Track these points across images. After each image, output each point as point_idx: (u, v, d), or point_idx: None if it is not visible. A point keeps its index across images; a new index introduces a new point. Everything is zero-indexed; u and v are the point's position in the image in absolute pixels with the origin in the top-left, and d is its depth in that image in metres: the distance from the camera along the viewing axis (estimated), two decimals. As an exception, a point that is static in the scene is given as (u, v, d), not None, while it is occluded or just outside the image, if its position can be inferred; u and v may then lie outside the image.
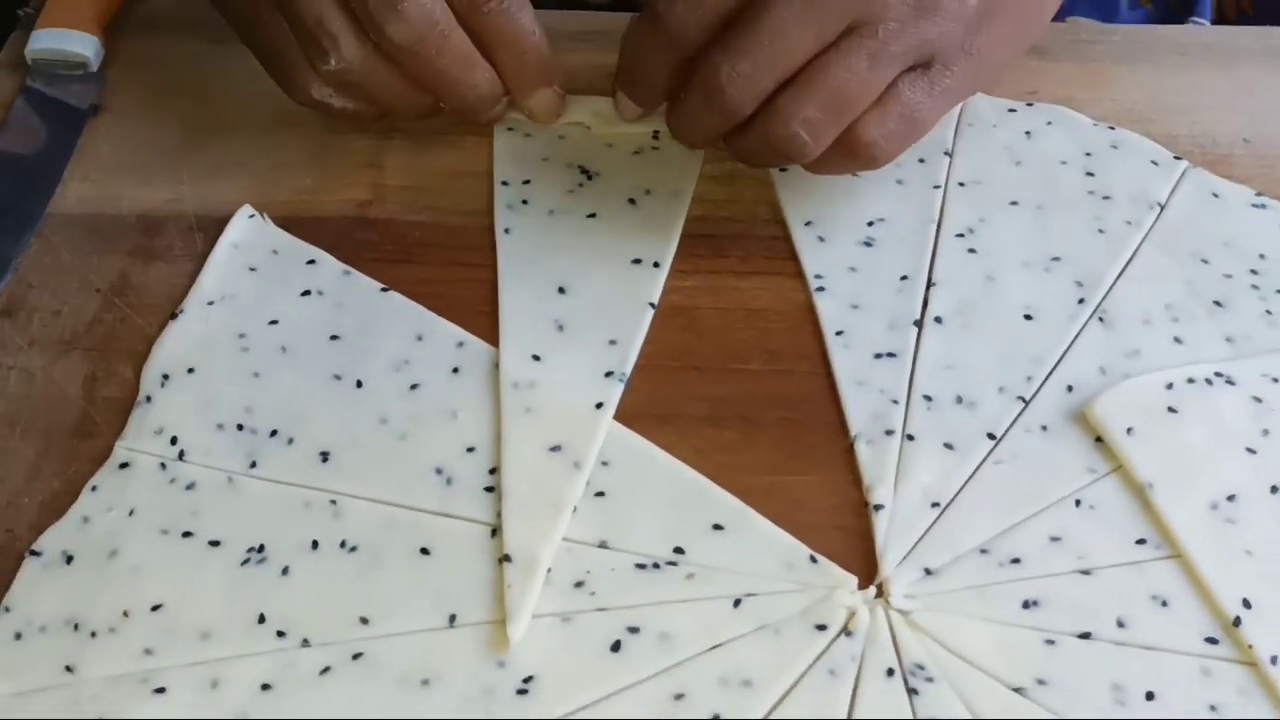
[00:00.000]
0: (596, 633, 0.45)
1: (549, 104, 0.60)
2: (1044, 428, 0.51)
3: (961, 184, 0.59)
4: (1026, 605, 0.46)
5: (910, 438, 0.50)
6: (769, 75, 0.51)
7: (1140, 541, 0.47)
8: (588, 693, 0.44)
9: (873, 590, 0.47)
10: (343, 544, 0.48)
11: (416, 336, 0.54)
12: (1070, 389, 0.52)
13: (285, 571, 0.47)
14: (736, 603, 0.46)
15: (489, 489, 0.49)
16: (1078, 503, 0.49)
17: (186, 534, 0.48)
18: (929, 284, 0.55)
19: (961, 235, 0.57)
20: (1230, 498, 0.48)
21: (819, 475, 0.50)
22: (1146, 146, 0.61)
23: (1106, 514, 0.48)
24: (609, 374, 0.52)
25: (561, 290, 0.55)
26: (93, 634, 0.45)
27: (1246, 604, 0.45)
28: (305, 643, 0.45)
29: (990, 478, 0.49)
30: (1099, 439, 0.50)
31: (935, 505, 0.49)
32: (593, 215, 0.58)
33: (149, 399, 0.52)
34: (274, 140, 0.62)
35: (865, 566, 0.47)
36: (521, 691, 0.44)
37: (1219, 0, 0.79)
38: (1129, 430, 0.50)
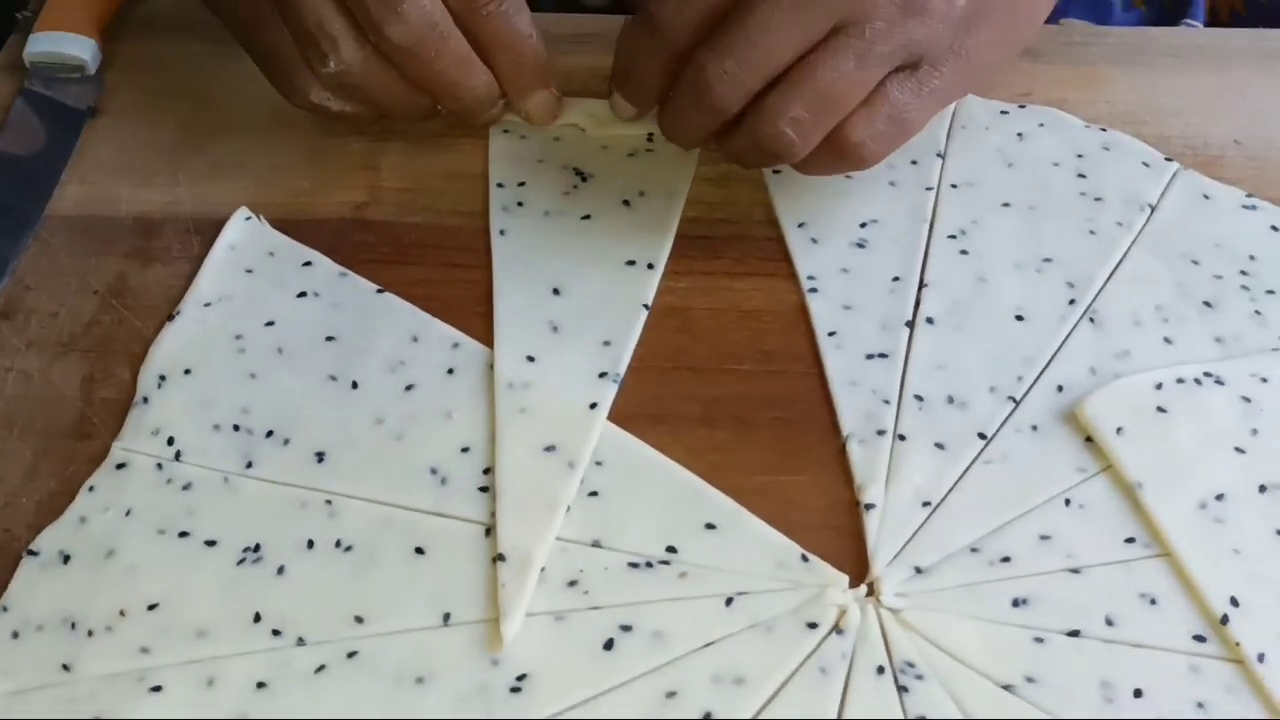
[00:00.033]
0: (589, 631, 0.46)
1: (546, 106, 0.61)
2: (1034, 428, 0.51)
3: (954, 185, 0.60)
4: (1016, 603, 0.46)
5: (902, 437, 0.51)
6: (756, 74, 0.51)
7: (1129, 540, 0.48)
8: (581, 690, 0.44)
9: (864, 589, 0.47)
10: (338, 543, 0.48)
11: (412, 337, 0.54)
12: (1060, 389, 0.52)
13: (281, 571, 0.47)
14: (729, 601, 0.46)
15: (483, 489, 0.49)
16: (1067, 502, 0.49)
17: (183, 534, 0.48)
18: (921, 285, 0.56)
19: (953, 236, 0.57)
20: (1219, 497, 0.48)
21: (811, 475, 0.50)
22: (1138, 148, 0.61)
23: (1096, 513, 0.49)
24: (603, 374, 0.53)
25: (556, 291, 0.56)
26: (89, 633, 0.46)
27: (1234, 602, 0.46)
28: (300, 641, 0.46)
29: (981, 477, 0.50)
30: (1089, 439, 0.50)
31: (926, 504, 0.49)
32: (587, 217, 0.58)
33: (146, 400, 0.52)
34: (271, 142, 0.62)
35: (856, 565, 0.48)
36: (515, 689, 0.44)
37: (1212, 2, 0.79)
38: (1119, 430, 0.50)
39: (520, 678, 0.45)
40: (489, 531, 0.48)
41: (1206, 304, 0.55)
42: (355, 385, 0.52)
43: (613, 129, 0.61)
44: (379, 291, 0.56)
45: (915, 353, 0.53)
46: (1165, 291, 0.55)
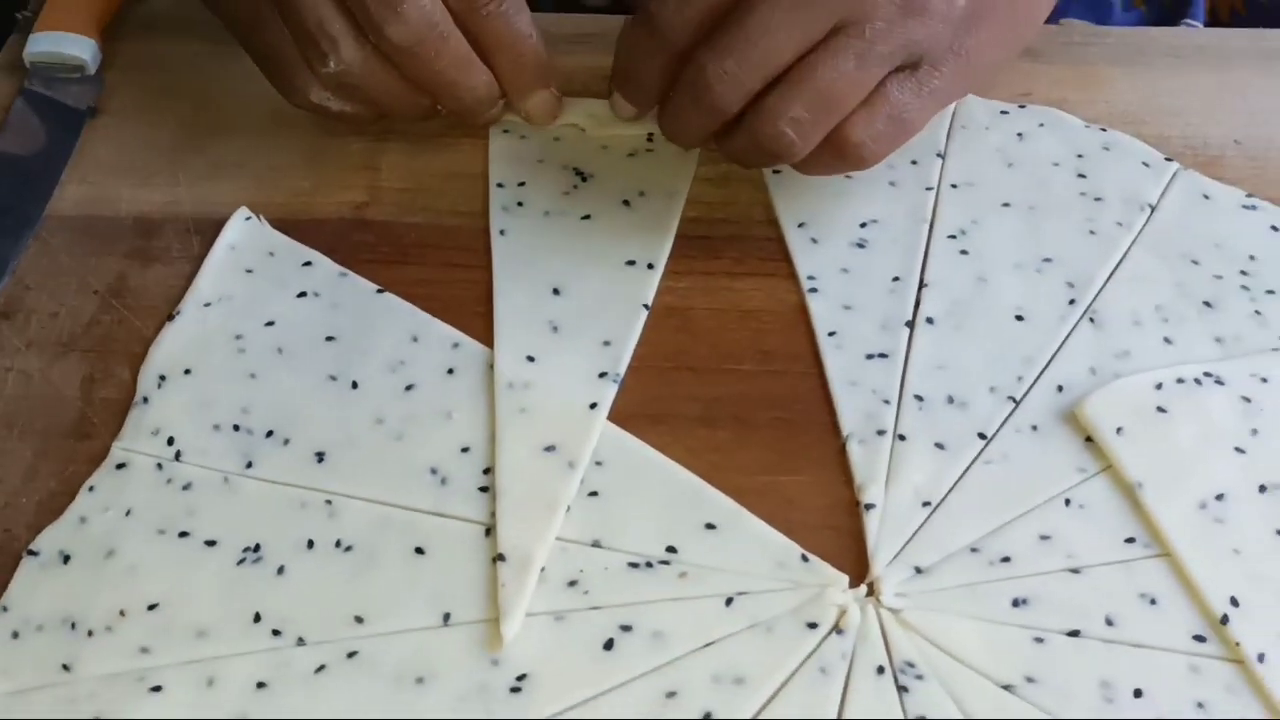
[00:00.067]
0: (589, 631, 0.46)
1: (546, 106, 0.61)
2: (1034, 427, 0.51)
3: (954, 186, 0.60)
4: (1016, 603, 0.46)
5: (902, 437, 0.51)
6: (755, 74, 0.51)
7: (1129, 540, 0.48)
8: (581, 690, 0.44)
9: (864, 589, 0.47)
10: (338, 543, 0.48)
11: (412, 337, 0.54)
12: (1060, 389, 0.52)
13: (281, 571, 0.47)
14: (729, 601, 0.46)
15: (483, 489, 0.49)
16: (1067, 502, 0.49)
17: (183, 534, 0.48)
18: (921, 285, 0.56)
19: (953, 236, 0.57)
20: (1219, 497, 0.48)
21: (811, 475, 0.50)
22: (1138, 148, 0.61)
23: (1096, 513, 0.49)
24: (603, 374, 0.53)
25: (556, 291, 0.56)
26: (89, 633, 0.46)
27: (1234, 602, 0.46)
28: (300, 641, 0.46)
29: (981, 477, 0.50)
30: (1089, 439, 0.50)
31: (926, 504, 0.49)
32: (587, 217, 0.59)
33: (146, 400, 0.52)
34: (271, 143, 0.62)
35: (856, 565, 0.48)
36: (515, 689, 0.44)
37: (1212, 2, 0.79)
38: (1118, 430, 0.50)
39: (520, 678, 0.45)
40: (489, 531, 0.48)
41: (1206, 304, 0.55)
42: (355, 385, 0.52)
43: (613, 129, 0.61)
44: (379, 291, 0.56)
45: (915, 353, 0.53)
46: (1165, 291, 0.55)
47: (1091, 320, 0.54)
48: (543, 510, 0.48)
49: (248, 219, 0.59)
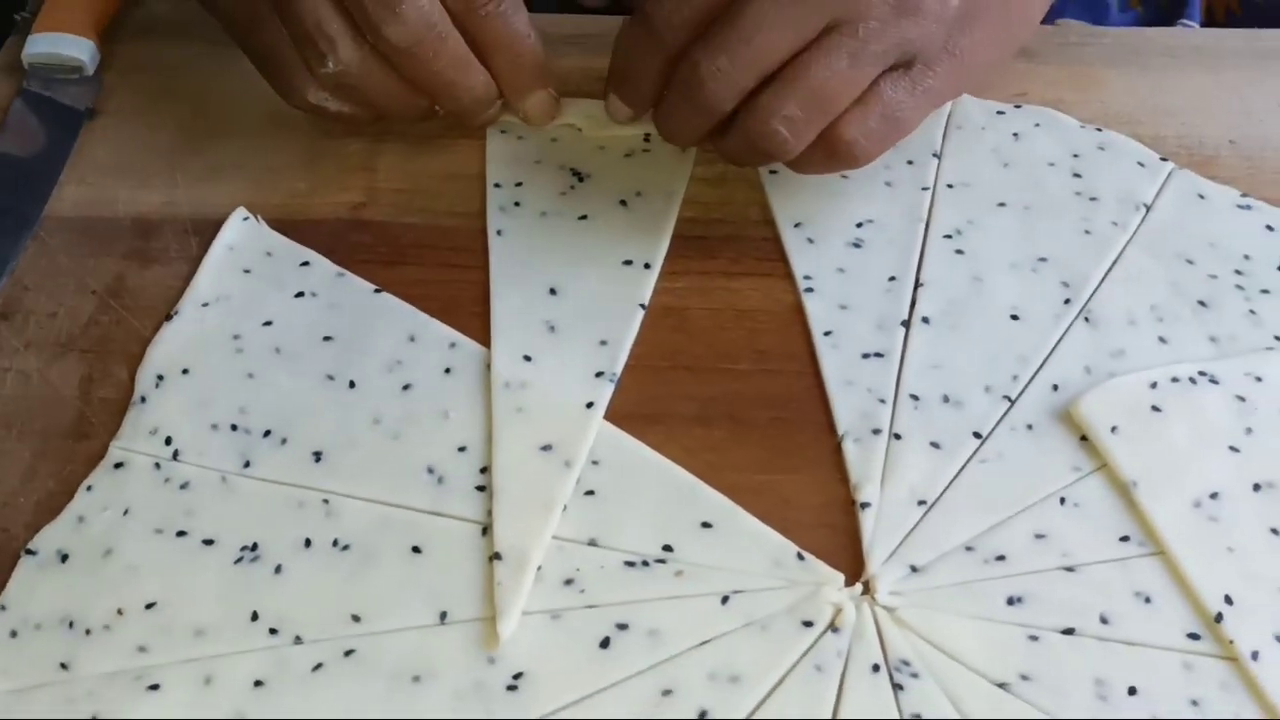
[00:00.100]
0: (586, 630, 0.46)
1: (543, 106, 0.61)
2: (1029, 426, 0.51)
3: (950, 186, 0.60)
4: (1011, 602, 0.46)
5: (897, 436, 0.51)
6: (748, 71, 0.52)
7: (1124, 539, 0.48)
8: (577, 689, 0.45)
9: (859, 587, 0.47)
10: (335, 543, 0.48)
11: (409, 337, 0.54)
12: (1056, 388, 0.52)
13: (278, 570, 0.47)
14: (724, 600, 0.47)
15: (480, 488, 0.49)
16: (1062, 500, 0.49)
17: (181, 533, 0.48)
18: (917, 284, 0.56)
19: (949, 236, 0.58)
20: (1213, 495, 0.49)
21: (807, 474, 0.50)
22: (1133, 148, 0.61)
23: (1091, 512, 0.49)
24: (599, 374, 0.53)
25: (553, 291, 0.56)
26: (87, 632, 0.46)
27: (1228, 600, 0.46)
28: (298, 640, 0.46)
29: (976, 476, 0.50)
30: (1084, 438, 0.51)
31: (922, 503, 0.49)
32: (584, 217, 0.59)
33: (144, 400, 0.52)
34: (269, 144, 0.62)
35: (852, 564, 0.48)
36: (511, 688, 0.45)
37: (1208, 2, 0.79)
38: (1113, 429, 0.50)
39: (517, 676, 0.45)
40: (486, 530, 0.48)
41: (1201, 303, 0.55)
42: (353, 385, 0.53)
43: (610, 130, 0.61)
44: (376, 291, 0.56)
45: (911, 352, 0.54)
46: (1160, 291, 0.55)
47: (1086, 319, 0.55)
48: (539, 509, 0.48)
49: (245, 219, 0.59)
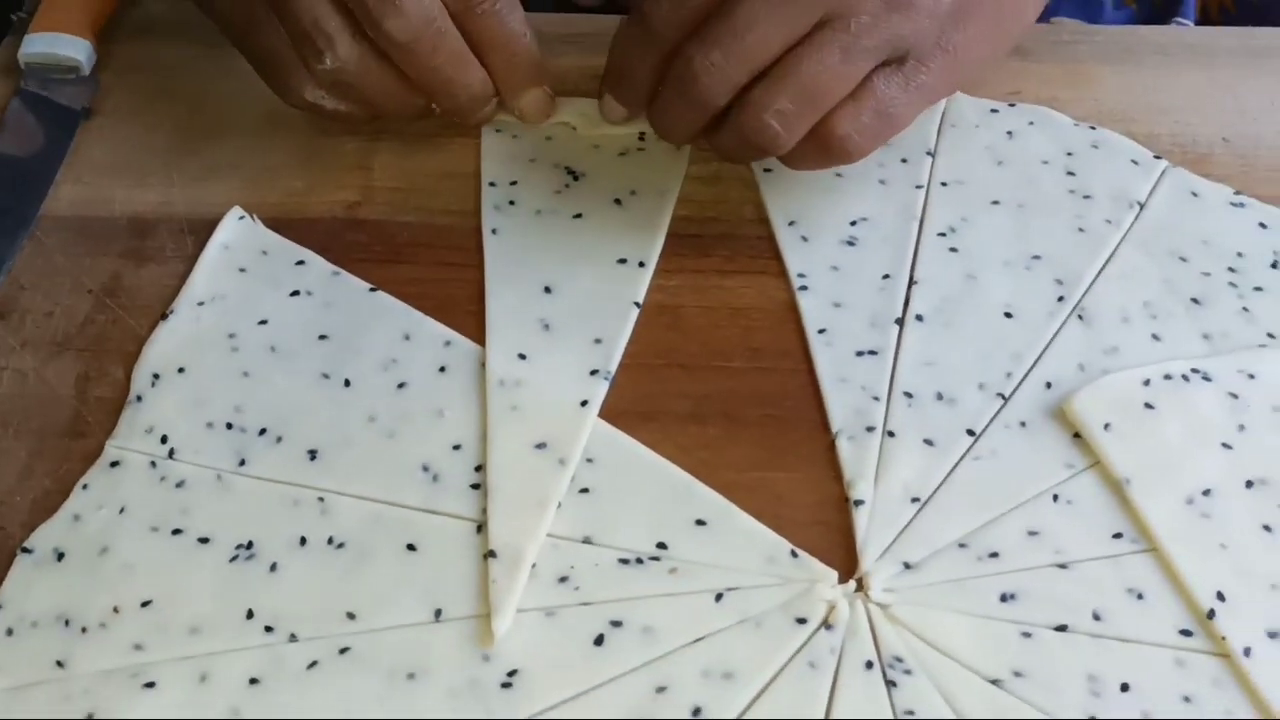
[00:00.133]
0: (580, 627, 0.46)
1: (539, 104, 0.61)
2: (1023, 424, 0.51)
3: (944, 184, 0.60)
4: (1004, 598, 0.47)
5: (891, 434, 0.51)
6: (742, 67, 0.52)
7: (1117, 536, 0.48)
8: (571, 686, 0.45)
9: (853, 584, 0.47)
10: (330, 540, 0.48)
11: (404, 336, 0.54)
12: (1049, 386, 0.52)
13: (274, 568, 0.48)
14: (718, 597, 0.47)
15: (475, 486, 0.50)
16: (1055, 498, 0.49)
17: (176, 531, 0.49)
18: (910, 282, 0.56)
19: (943, 234, 0.58)
20: (1206, 492, 0.49)
21: (801, 471, 0.50)
22: (1127, 146, 0.61)
23: (1084, 509, 0.49)
24: (594, 372, 0.53)
25: (548, 290, 0.56)
26: (83, 630, 0.46)
27: (1220, 597, 0.46)
28: (293, 638, 0.46)
29: (969, 473, 0.50)
30: (1077, 435, 0.51)
31: (915, 500, 0.49)
32: (579, 216, 0.59)
33: (140, 398, 0.52)
34: (265, 143, 0.62)
35: (846, 561, 0.48)
36: (506, 685, 0.45)
37: (1202, 0, 0.79)
38: (1106, 426, 0.50)
39: (511, 673, 0.45)
40: (480, 528, 0.48)
41: (1194, 301, 0.55)
42: (348, 383, 0.53)
43: (605, 128, 0.61)
44: (371, 290, 0.56)
45: (904, 350, 0.54)
46: (1153, 288, 0.56)
47: (1080, 317, 0.55)
48: (534, 507, 0.49)
49: (241, 218, 0.59)
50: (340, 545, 0.48)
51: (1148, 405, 0.51)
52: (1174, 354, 0.53)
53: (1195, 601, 0.46)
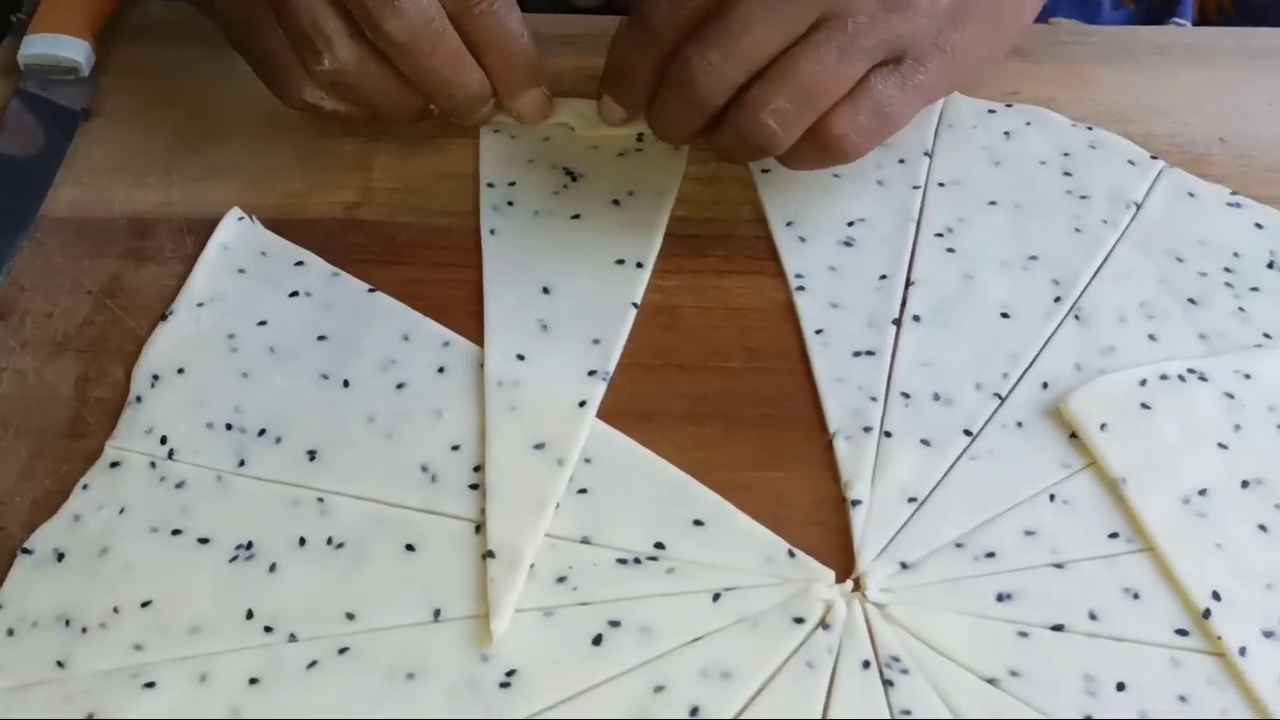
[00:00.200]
0: (578, 627, 0.46)
1: (536, 105, 0.61)
2: (1019, 424, 0.51)
3: (941, 184, 0.60)
4: (1000, 598, 0.47)
5: (888, 434, 0.51)
6: (739, 66, 0.52)
7: (1113, 535, 0.48)
8: (569, 685, 0.45)
9: (850, 584, 0.47)
10: (329, 541, 0.48)
11: (403, 336, 0.54)
12: (1046, 386, 0.52)
13: (273, 568, 0.48)
14: (716, 596, 0.47)
15: (473, 486, 0.50)
16: (1052, 497, 0.49)
17: (176, 531, 0.49)
18: (908, 283, 0.56)
19: (940, 235, 0.58)
20: (1202, 492, 0.49)
21: (798, 471, 0.51)
22: (1124, 146, 0.61)
23: (1080, 508, 0.49)
24: (592, 372, 0.53)
25: (546, 290, 0.56)
26: (84, 630, 0.46)
27: (1216, 596, 0.46)
28: (292, 638, 0.46)
29: (966, 473, 0.50)
30: (1073, 435, 0.51)
31: (912, 500, 0.49)
32: (577, 216, 0.59)
33: (139, 399, 0.53)
34: (264, 144, 0.63)
35: (843, 561, 0.48)
36: (504, 685, 0.45)
37: (1200, 0, 0.79)
38: (1103, 426, 0.50)
39: (510, 673, 0.45)
40: (479, 528, 0.49)
41: (1191, 301, 0.55)
42: (347, 384, 0.53)
43: (603, 129, 0.61)
44: (370, 291, 0.56)
45: (902, 350, 0.54)
46: (1150, 288, 0.56)
47: (1077, 317, 0.55)
48: (532, 507, 0.49)
49: (240, 219, 0.59)
50: (339, 545, 0.48)
51: (1144, 405, 0.51)
52: (1170, 354, 0.53)
53: (1191, 601, 0.46)
